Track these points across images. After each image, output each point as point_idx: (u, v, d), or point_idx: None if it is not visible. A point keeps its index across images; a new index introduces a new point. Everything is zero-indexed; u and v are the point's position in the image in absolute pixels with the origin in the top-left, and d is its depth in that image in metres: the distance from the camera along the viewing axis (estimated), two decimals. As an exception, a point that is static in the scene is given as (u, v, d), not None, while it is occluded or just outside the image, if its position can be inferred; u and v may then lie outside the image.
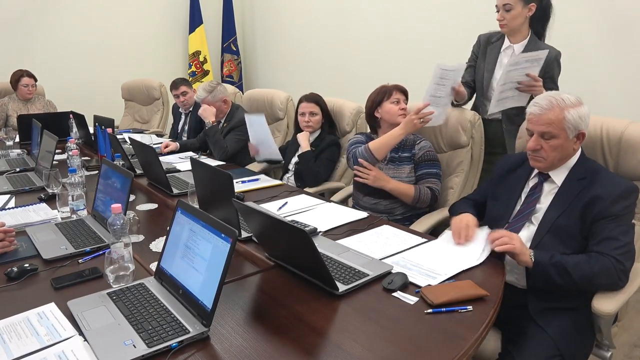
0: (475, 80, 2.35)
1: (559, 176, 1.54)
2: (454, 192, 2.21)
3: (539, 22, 2.18)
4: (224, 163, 2.88)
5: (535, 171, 1.60)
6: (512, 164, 1.70)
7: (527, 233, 1.53)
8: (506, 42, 2.23)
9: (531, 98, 2.02)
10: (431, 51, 3.83)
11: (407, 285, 1.32)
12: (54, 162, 2.46)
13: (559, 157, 1.50)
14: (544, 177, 1.57)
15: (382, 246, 1.59)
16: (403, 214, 2.14)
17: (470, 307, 1.19)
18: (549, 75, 2.14)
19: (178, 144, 3.20)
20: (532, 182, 1.61)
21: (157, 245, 1.64)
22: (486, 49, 2.30)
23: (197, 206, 1.75)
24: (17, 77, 3.93)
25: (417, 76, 3.78)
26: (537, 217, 1.53)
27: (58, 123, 3.38)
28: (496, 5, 2.15)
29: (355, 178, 2.20)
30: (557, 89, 2.17)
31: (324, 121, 2.74)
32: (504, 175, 1.71)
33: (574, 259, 1.39)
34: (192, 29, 5.45)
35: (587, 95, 1.60)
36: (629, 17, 2.80)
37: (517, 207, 1.61)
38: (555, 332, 1.39)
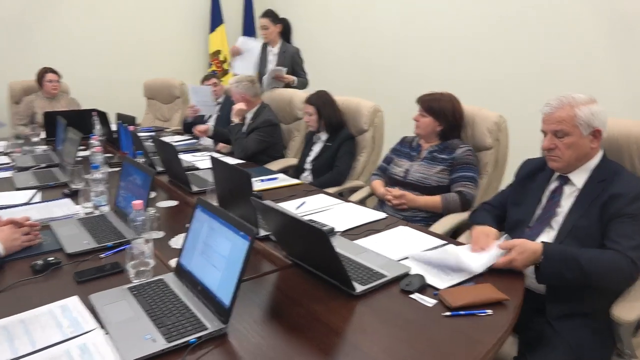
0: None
1: (579, 179, 1.52)
2: (478, 193, 2.19)
3: (286, 36, 3.84)
4: (243, 161, 2.90)
5: (556, 175, 1.58)
6: (533, 168, 1.68)
7: (547, 238, 1.52)
8: (269, 47, 3.85)
9: (288, 86, 3.69)
10: (449, 48, 3.79)
11: (425, 287, 1.31)
12: (78, 159, 2.50)
13: (575, 155, 1.49)
14: (564, 180, 1.55)
15: (400, 247, 1.58)
16: (427, 212, 2.15)
17: (489, 311, 1.18)
18: (295, 64, 3.77)
19: (211, 128, 3.41)
20: (552, 186, 1.59)
21: (176, 241, 1.66)
22: (261, 54, 3.88)
23: (216, 204, 1.77)
24: (42, 73, 4.04)
25: (436, 73, 3.79)
26: (558, 221, 1.51)
27: (82, 120, 3.43)
28: (260, 27, 3.77)
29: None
30: (304, 75, 3.81)
31: (323, 120, 2.77)
32: (525, 179, 1.69)
33: (587, 253, 1.36)
34: (212, 29, 5.50)
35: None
36: (633, 19, 2.80)
37: (538, 212, 1.59)
38: (572, 337, 1.36)
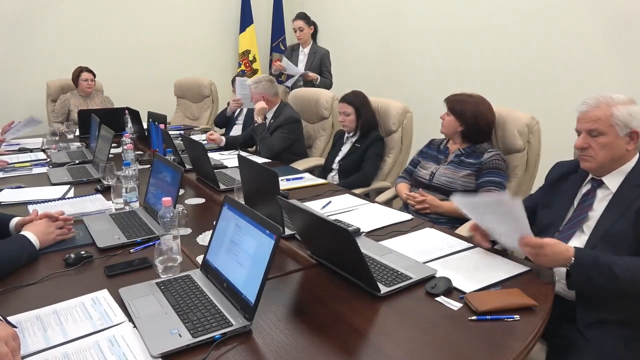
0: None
1: (613, 182, 1.47)
2: (507, 197, 2.16)
3: (313, 36, 4.17)
4: (270, 160, 2.92)
5: (589, 177, 1.54)
6: (565, 171, 1.64)
7: (578, 242, 1.47)
8: (300, 48, 4.17)
9: (311, 84, 3.97)
10: (480, 49, 3.73)
11: (451, 290, 1.29)
12: (110, 156, 2.56)
13: (609, 157, 1.44)
14: (597, 183, 1.50)
15: (425, 249, 1.56)
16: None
17: (517, 317, 1.16)
18: (323, 65, 4.04)
19: (224, 139, 3.24)
20: (585, 189, 1.54)
21: (203, 238, 1.69)
22: (291, 53, 4.23)
23: (242, 202, 1.78)
24: (77, 72, 4.16)
25: (466, 74, 3.73)
26: (589, 225, 1.46)
27: (114, 118, 3.51)
28: (294, 29, 4.15)
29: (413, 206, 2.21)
30: (329, 76, 4.06)
31: (362, 121, 2.74)
32: (556, 182, 1.65)
33: (622, 260, 1.31)
34: (242, 29, 5.56)
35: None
36: (633, 19, 2.77)
37: (569, 215, 1.54)
38: (603, 347, 1.32)
